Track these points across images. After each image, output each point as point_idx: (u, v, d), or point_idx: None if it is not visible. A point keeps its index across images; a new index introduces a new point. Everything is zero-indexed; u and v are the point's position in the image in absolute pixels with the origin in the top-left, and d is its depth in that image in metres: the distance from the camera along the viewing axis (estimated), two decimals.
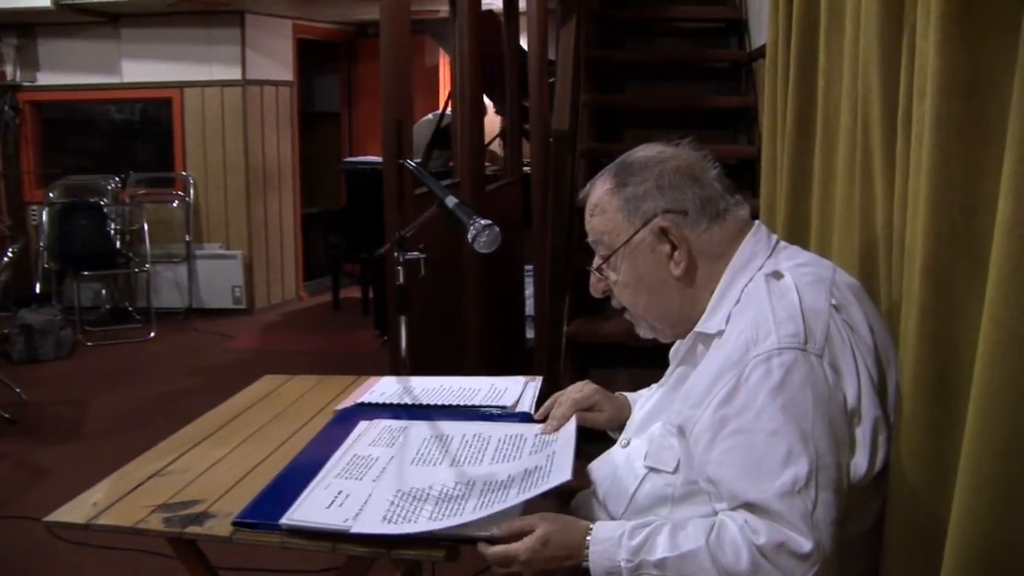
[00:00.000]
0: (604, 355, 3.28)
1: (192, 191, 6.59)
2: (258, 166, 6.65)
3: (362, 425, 1.60)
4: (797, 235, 1.83)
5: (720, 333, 1.24)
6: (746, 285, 1.26)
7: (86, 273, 6.14)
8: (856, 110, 1.47)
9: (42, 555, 2.91)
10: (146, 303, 6.32)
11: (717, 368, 1.19)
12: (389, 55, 2.85)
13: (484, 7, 4.13)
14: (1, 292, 5.26)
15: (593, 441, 1.53)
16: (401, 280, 1.85)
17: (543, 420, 1.53)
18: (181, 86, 6.51)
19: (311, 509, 1.26)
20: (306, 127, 7.38)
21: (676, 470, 1.24)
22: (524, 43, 4.71)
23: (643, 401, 1.48)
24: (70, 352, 5.55)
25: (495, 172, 5.13)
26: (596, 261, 1.38)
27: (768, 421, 1.12)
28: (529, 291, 4.72)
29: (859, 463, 1.16)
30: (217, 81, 6.47)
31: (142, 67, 6.51)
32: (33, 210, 6.63)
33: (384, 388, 1.83)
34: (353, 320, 6.48)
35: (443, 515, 1.22)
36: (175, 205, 6.61)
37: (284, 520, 1.24)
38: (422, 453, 1.46)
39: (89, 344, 5.76)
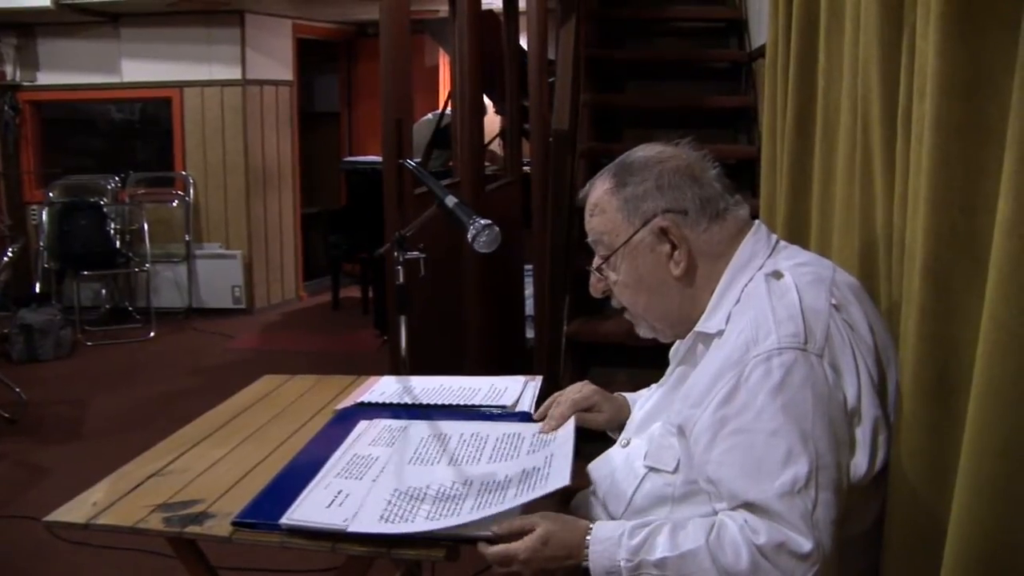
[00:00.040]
0: (604, 355, 3.28)
1: (192, 191, 6.59)
2: (258, 166, 6.65)
3: (362, 425, 1.60)
4: (797, 235, 1.83)
5: (720, 333, 1.24)
6: (746, 285, 1.26)
7: (86, 273, 6.14)
8: (856, 110, 1.47)
9: (42, 555, 2.91)
10: (146, 303, 6.31)
11: (717, 368, 1.19)
12: (389, 55, 2.85)
13: (484, 7, 4.13)
14: (1, 292, 5.26)
15: (592, 441, 1.53)
16: (401, 280, 1.86)
17: (542, 420, 1.53)
18: (181, 86, 6.51)
19: (311, 509, 1.26)
20: (306, 127, 7.38)
21: (676, 470, 1.24)
22: (524, 43, 4.71)
23: (643, 401, 1.48)
24: (70, 352, 5.55)
25: (495, 172, 5.13)
26: (596, 261, 1.38)
27: (768, 421, 1.12)
28: (529, 291, 4.72)
29: (859, 463, 1.16)
30: (217, 81, 6.47)
31: (142, 67, 6.51)
32: (33, 210, 6.62)
33: (384, 388, 1.83)
34: (353, 320, 6.47)
35: (440, 515, 1.22)
36: (175, 205, 6.61)
37: (284, 520, 1.24)
38: (420, 452, 1.46)
39: (89, 344, 5.76)
